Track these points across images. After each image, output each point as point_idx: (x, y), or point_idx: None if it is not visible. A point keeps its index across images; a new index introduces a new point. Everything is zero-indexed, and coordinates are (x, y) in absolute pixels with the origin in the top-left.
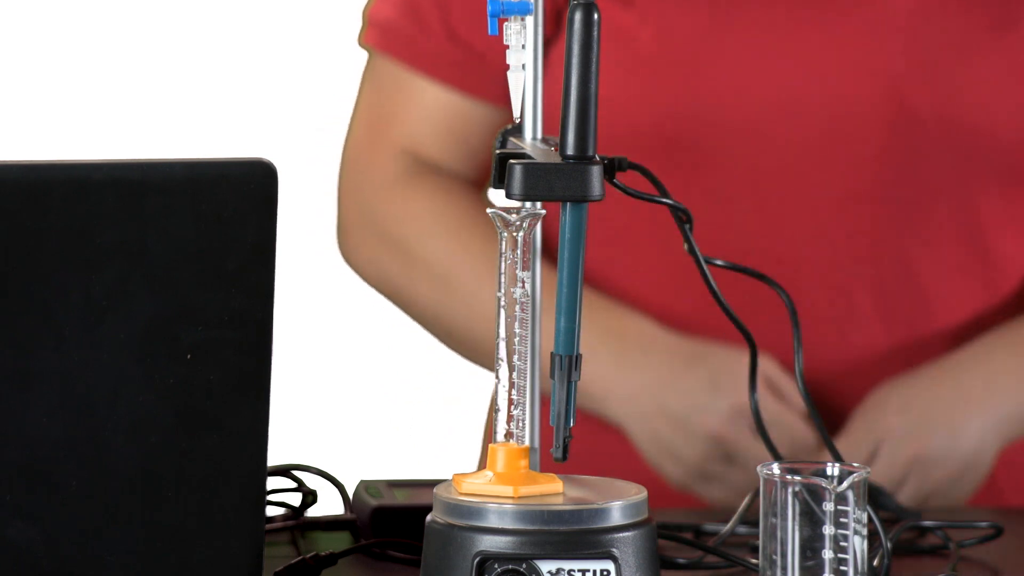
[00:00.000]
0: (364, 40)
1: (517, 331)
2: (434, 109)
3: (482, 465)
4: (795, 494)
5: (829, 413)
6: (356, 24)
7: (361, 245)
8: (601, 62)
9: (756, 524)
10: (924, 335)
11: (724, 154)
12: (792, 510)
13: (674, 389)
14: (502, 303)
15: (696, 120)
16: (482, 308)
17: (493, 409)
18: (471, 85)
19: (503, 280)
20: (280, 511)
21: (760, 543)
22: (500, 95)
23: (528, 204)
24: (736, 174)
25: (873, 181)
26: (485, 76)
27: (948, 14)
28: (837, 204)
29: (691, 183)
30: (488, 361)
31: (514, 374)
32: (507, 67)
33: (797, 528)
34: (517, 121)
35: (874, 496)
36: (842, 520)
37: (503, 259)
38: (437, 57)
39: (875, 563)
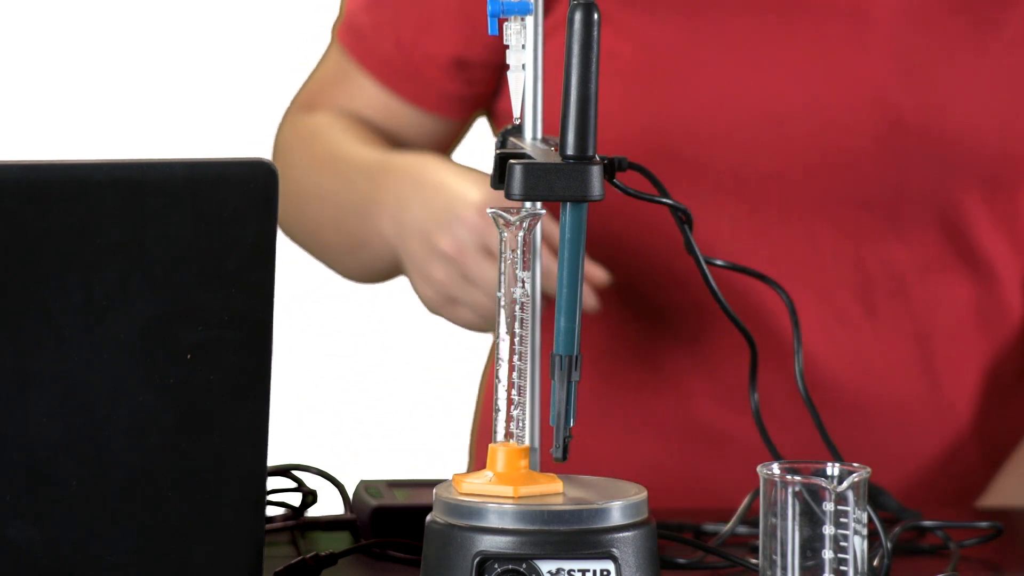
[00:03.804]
0: (335, 30)
1: (517, 331)
2: (368, 99)
3: (472, 466)
4: (795, 494)
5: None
6: None
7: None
8: None
9: (756, 524)
10: (911, 336)
11: (708, 163)
12: (792, 510)
13: (424, 208)
14: (502, 303)
15: (679, 131)
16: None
17: (481, 410)
18: (408, 92)
19: (503, 280)
20: (280, 511)
21: (760, 543)
22: (434, 103)
23: (528, 204)
24: (720, 182)
25: (857, 186)
26: (421, 85)
27: (931, 21)
28: (822, 209)
29: (675, 192)
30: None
31: (514, 374)
32: (507, 67)
33: (797, 528)
34: (517, 122)
35: (874, 496)
36: (842, 520)
37: (503, 259)
38: (383, 61)
39: (875, 563)
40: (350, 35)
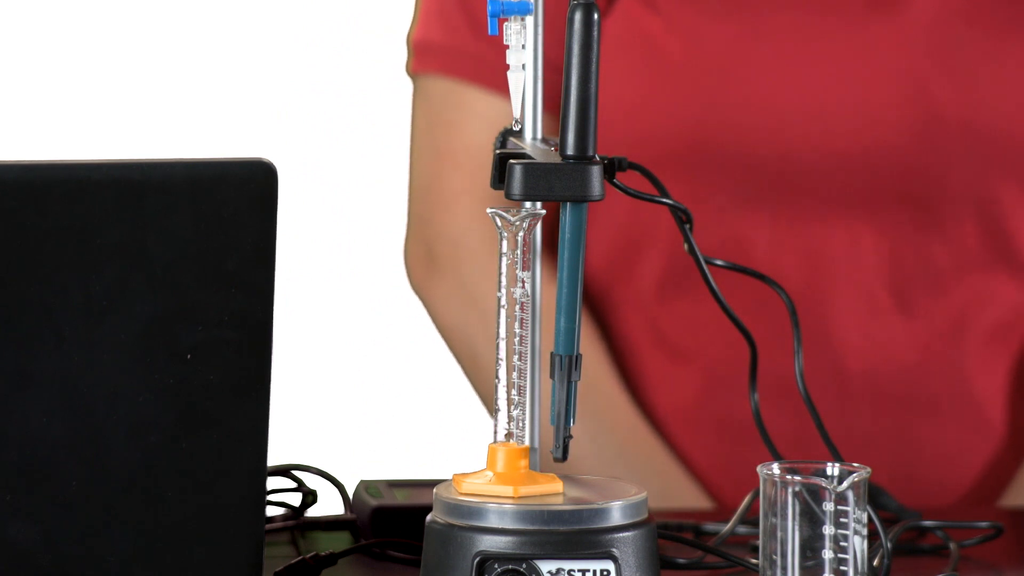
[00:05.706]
0: (415, 68)
1: (517, 331)
2: (498, 119)
3: None
4: (795, 494)
5: (849, 406)
6: (353, 24)
7: (439, 291)
8: (628, 68)
9: (756, 524)
10: (945, 333)
11: (750, 157)
12: (792, 510)
13: None
14: (502, 303)
15: (723, 126)
16: None
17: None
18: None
19: (503, 280)
20: (280, 511)
21: (760, 543)
22: None
23: (528, 204)
24: (762, 176)
25: (896, 181)
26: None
27: (971, 14)
28: (861, 203)
29: (719, 186)
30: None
31: (514, 374)
32: (507, 67)
33: (797, 528)
34: (518, 126)
35: (874, 496)
36: (842, 520)
37: (503, 259)
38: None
39: (875, 563)
40: (459, 62)
